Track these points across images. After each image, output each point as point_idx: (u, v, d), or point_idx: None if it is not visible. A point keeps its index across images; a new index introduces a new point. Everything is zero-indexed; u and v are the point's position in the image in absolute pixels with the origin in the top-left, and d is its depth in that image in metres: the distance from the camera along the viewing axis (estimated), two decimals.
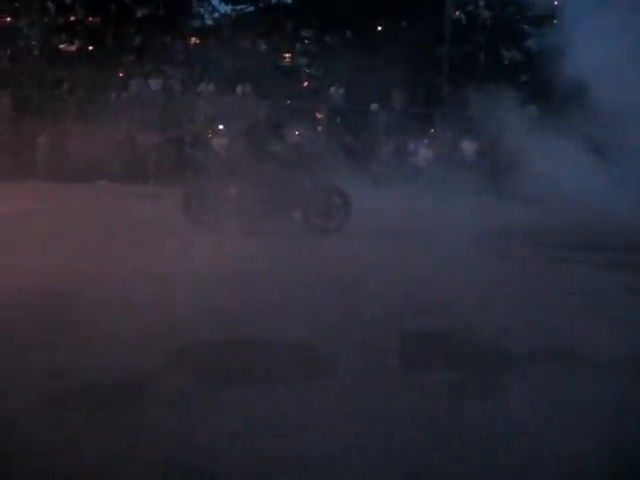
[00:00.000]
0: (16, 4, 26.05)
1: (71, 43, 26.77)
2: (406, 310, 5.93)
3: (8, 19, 26.73)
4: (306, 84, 26.93)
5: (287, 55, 27.14)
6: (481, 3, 27.07)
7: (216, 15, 27.87)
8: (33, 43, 25.65)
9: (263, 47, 27.07)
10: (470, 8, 26.91)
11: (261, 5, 27.18)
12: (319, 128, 21.30)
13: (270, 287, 6.66)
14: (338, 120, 21.28)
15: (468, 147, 18.93)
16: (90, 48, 26.22)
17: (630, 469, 3.36)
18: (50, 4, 26.00)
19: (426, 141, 19.41)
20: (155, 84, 20.47)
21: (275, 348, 4.81)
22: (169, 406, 3.69)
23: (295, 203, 10.57)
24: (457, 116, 19.38)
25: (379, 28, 26.86)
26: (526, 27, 26.23)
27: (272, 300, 6.08)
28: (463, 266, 7.86)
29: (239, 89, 20.55)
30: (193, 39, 27.69)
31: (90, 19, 26.69)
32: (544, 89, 17.90)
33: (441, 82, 23.72)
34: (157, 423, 3.51)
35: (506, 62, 26.45)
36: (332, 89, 21.09)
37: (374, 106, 20.68)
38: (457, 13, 26.34)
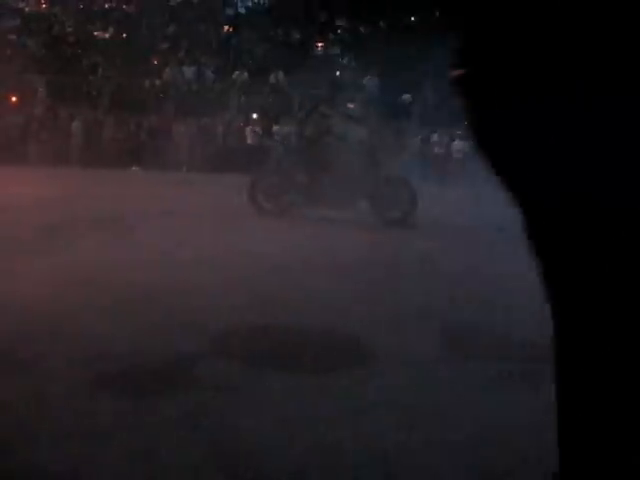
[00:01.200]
0: None
1: (105, 30, 27.00)
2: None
3: (44, 6, 27.05)
4: (338, 73, 26.90)
5: (320, 44, 27.11)
6: None
7: (249, 3, 27.95)
8: (68, 30, 25.90)
9: (296, 36, 27.06)
10: None
11: None
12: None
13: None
14: (371, 110, 21.19)
15: None
16: (124, 35, 26.42)
17: None
18: None
19: (459, 132, 19.28)
20: (189, 72, 20.54)
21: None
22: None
23: (363, 193, 10.53)
24: None
25: (412, 18, 26.75)
26: None
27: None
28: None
29: (272, 78, 20.61)
30: (226, 27, 27.79)
31: (124, 6, 26.91)
32: None
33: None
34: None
35: None
36: (366, 79, 20.98)
37: (406, 96, 20.62)
38: None
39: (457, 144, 18.93)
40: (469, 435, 3.45)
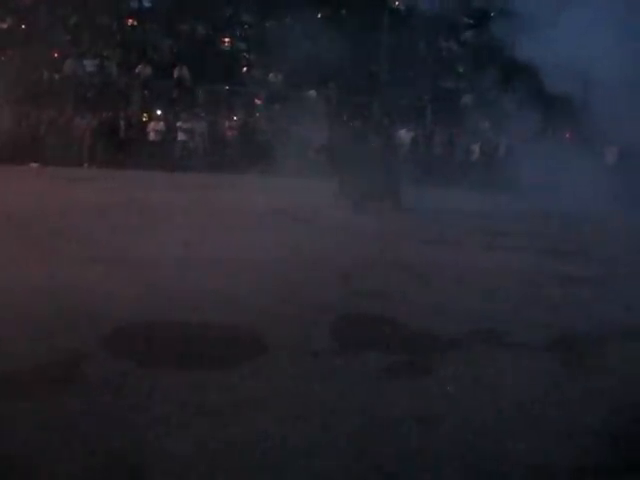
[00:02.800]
0: None
1: (3, 21, 26.02)
2: None
3: None
4: (245, 69, 26.80)
5: (226, 40, 26.89)
6: None
7: None
8: None
9: (202, 31, 26.77)
10: None
11: None
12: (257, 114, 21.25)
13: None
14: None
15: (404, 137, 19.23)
16: (23, 26, 25.51)
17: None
18: None
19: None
20: (91, 65, 20.05)
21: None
22: None
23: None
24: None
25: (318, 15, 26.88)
26: None
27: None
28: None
29: (176, 72, 20.38)
30: (130, 20, 27.21)
31: None
32: None
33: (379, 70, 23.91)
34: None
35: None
36: (271, 75, 20.99)
37: (311, 92, 20.75)
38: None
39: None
40: (356, 425, 3.59)
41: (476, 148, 19.09)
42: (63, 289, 5.71)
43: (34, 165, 17.47)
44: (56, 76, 19.80)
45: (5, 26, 25.75)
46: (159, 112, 19.42)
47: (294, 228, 9.78)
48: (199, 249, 7.79)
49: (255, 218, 10.13)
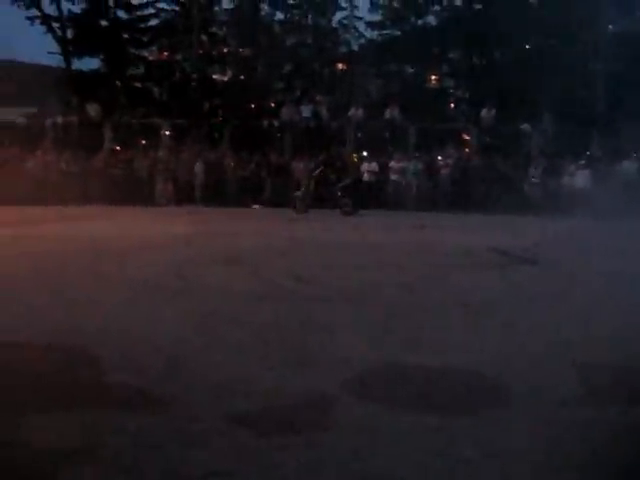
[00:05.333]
0: (173, 39, 27.61)
1: (224, 73, 27.97)
2: None
3: (166, 54, 28.34)
4: (453, 106, 26.74)
5: (434, 77, 27.03)
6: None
7: (362, 41, 28.24)
8: (189, 75, 26.98)
9: (410, 70, 27.10)
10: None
11: (407, 29, 27.28)
12: (466, 150, 21.07)
13: None
14: (487, 141, 20.87)
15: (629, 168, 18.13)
16: (242, 77, 27.26)
17: None
18: (204, 37, 27.28)
19: (582, 162, 18.67)
20: (306, 110, 20.90)
21: None
22: None
23: None
24: (616, 135, 18.64)
25: (527, 46, 26.30)
26: None
27: None
28: None
29: (387, 113, 20.66)
30: (340, 65, 28.18)
31: (241, 50, 27.78)
32: None
33: (595, 100, 22.86)
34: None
35: None
36: (483, 111, 20.65)
37: (525, 126, 20.18)
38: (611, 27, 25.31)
39: (579, 174, 18.31)
40: None
41: None
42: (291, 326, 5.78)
43: (256, 207, 18.45)
44: (275, 122, 20.78)
45: (226, 79, 27.70)
46: (371, 153, 19.76)
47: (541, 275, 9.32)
48: (425, 292, 7.67)
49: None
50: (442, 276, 8.35)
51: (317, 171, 17.33)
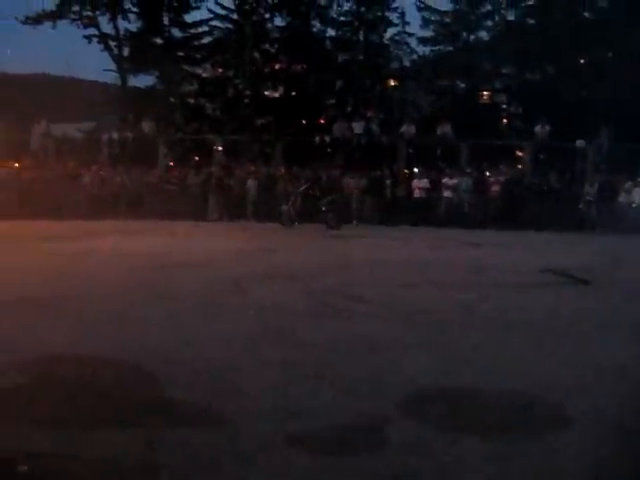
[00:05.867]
0: (226, 57, 27.99)
1: (275, 90, 28.23)
2: None
3: (219, 71, 28.74)
4: (506, 122, 26.52)
5: (486, 93, 26.86)
6: None
7: (414, 57, 28.22)
8: (241, 91, 27.31)
9: (462, 86, 26.98)
10: None
11: (458, 44, 27.21)
12: (519, 166, 20.88)
13: None
14: (541, 158, 20.61)
15: None
16: (293, 94, 27.48)
17: None
18: (256, 54, 27.59)
19: (639, 179, 18.30)
20: (358, 126, 20.91)
21: None
22: None
23: None
24: None
25: (582, 61, 25.96)
26: None
27: None
28: None
29: (439, 129, 20.58)
30: (392, 81, 28.20)
31: (293, 66, 28.01)
32: None
33: None
34: None
35: None
36: (537, 127, 20.41)
37: (580, 142, 19.87)
38: None
39: (637, 191, 17.96)
40: None
41: None
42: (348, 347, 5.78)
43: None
44: (327, 138, 20.85)
45: (277, 95, 27.95)
46: (423, 169, 19.68)
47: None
48: (479, 307, 7.59)
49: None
50: (497, 295, 8.27)
51: (303, 187, 17.58)
